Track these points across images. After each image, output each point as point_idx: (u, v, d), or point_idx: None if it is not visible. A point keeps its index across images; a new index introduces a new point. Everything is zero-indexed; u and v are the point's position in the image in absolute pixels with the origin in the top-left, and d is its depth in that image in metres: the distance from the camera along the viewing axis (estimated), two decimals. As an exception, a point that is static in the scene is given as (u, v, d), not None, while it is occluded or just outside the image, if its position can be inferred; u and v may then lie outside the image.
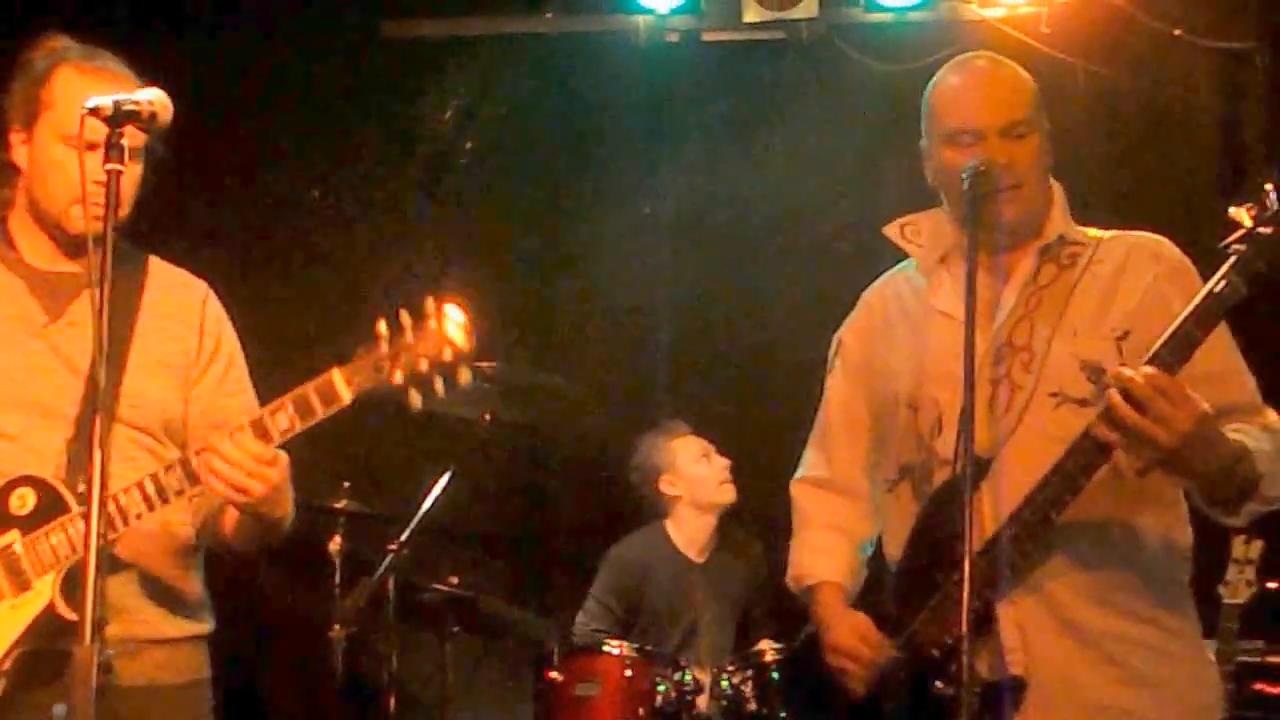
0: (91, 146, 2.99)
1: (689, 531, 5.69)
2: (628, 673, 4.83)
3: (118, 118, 2.71)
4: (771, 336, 6.19)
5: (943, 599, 3.05)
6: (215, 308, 3.33)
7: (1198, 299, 2.83)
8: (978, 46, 5.59)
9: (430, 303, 2.91)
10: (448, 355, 2.89)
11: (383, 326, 2.89)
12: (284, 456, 2.96)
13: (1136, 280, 3.12)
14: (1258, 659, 4.77)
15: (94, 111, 2.72)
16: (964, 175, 3.05)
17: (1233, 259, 2.81)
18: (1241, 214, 2.82)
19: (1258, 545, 4.69)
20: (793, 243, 6.22)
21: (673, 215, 6.40)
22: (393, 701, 5.16)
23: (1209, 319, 2.82)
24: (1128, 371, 2.80)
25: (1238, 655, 4.67)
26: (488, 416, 5.17)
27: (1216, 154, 5.78)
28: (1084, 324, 3.10)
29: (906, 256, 3.38)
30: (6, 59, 3.20)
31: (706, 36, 6.18)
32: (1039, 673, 3.02)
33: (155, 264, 3.27)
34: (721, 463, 5.67)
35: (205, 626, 3.30)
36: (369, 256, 6.34)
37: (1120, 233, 3.24)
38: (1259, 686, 4.74)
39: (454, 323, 2.90)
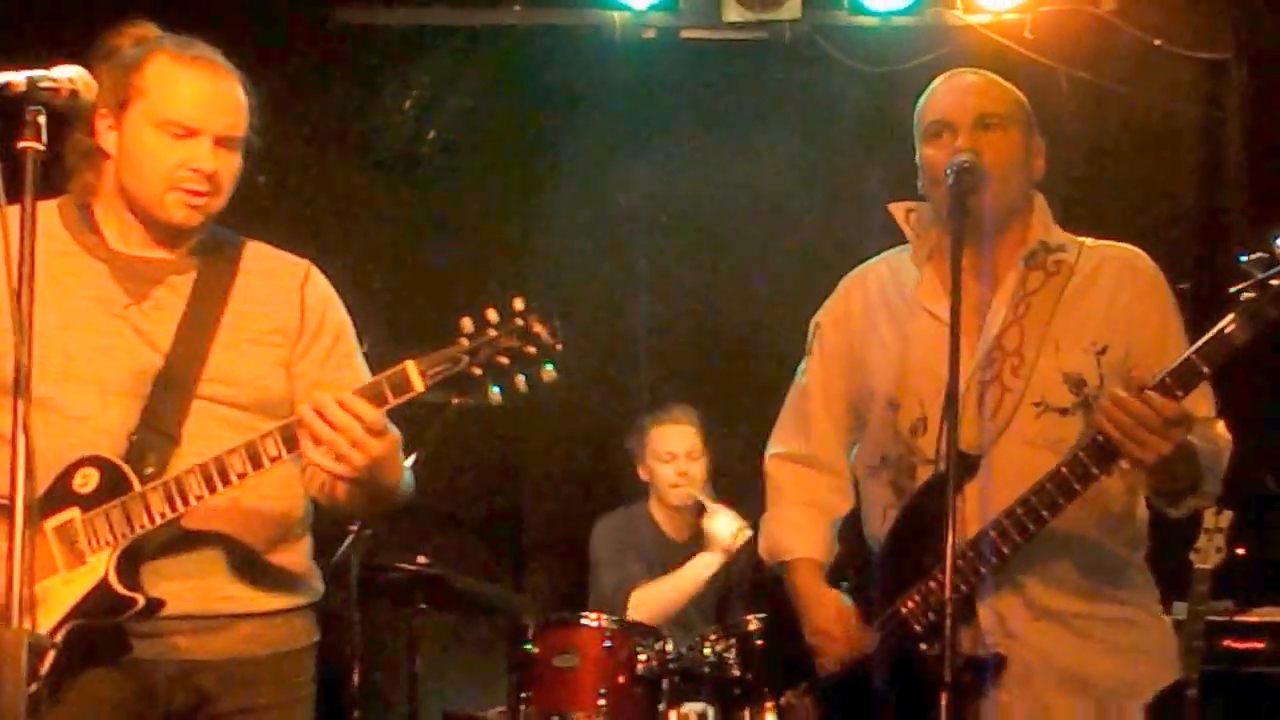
0: (190, 133, 3.03)
1: (667, 514, 5.70)
2: (607, 643, 4.75)
3: (31, 95, 2.54)
4: (747, 329, 6.19)
5: (930, 584, 3.22)
6: (318, 286, 3.29)
7: (1206, 337, 2.95)
8: (962, 51, 5.78)
9: (518, 301, 2.89)
10: (532, 351, 2.86)
11: (467, 322, 2.87)
12: (394, 433, 2.93)
13: (1114, 294, 3.28)
14: (1226, 618, 5.24)
15: (5, 88, 2.55)
16: (948, 170, 3.13)
17: (1242, 304, 2.92)
18: (1253, 264, 2.91)
19: (1228, 515, 5.03)
20: (772, 241, 6.24)
21: (645, 207, 6.39)
22: (357, 679, 5.02)
23: (1215, 357, 2.94)
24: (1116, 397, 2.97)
25: (1208, 615, 5.08)
26: (455, 400, 5.03)
27: (1197, 161, 5.91)
28: (1066, 337, 3.25)
29: (888, 248, 3.47)
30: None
31: (685, 34, 6.15)
32: (1017, 651, 3.23)
33: (251, 248, 3.26)
34: (677, 467, 5.59)
35: (303, 598, 3.25)
36: (326, 248, 6.13)
37: (1101, 242, 3.38)
38: (1228, 642, 5.24)
39: (541, 321, 2.87)
